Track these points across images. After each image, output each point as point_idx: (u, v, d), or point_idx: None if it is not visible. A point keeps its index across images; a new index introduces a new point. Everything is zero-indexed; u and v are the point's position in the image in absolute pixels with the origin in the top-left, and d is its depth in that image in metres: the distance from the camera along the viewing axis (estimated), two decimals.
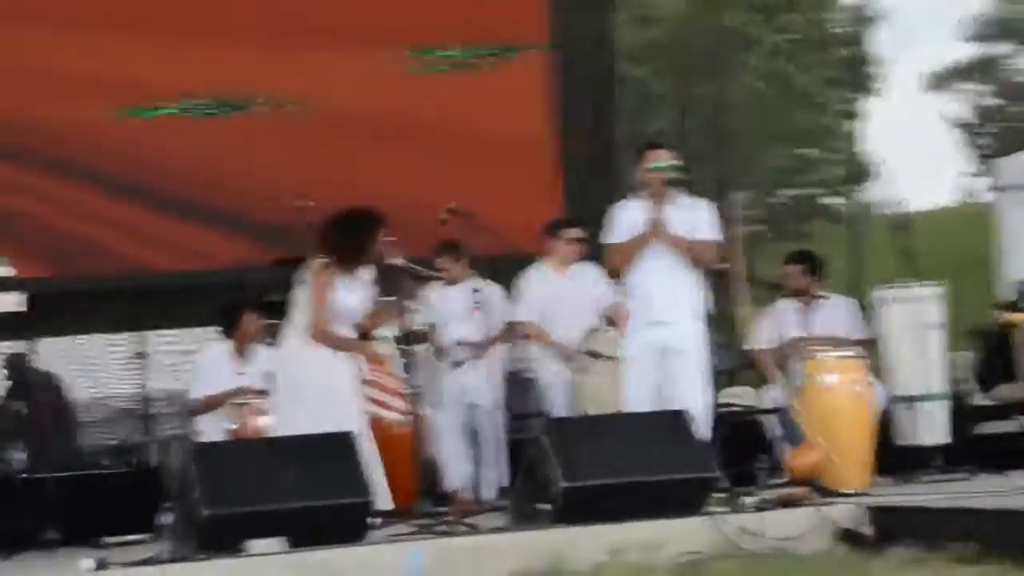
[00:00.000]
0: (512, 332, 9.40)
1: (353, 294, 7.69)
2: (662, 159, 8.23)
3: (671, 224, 8.10)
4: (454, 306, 9.41)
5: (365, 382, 8.78)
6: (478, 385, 9.33)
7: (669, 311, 8.09)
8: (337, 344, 7.68)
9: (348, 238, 7.70)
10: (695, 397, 8.01)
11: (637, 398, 8.17)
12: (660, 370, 8.16)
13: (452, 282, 9.46)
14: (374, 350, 7.74)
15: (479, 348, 9.32)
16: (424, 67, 12.51)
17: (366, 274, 7.75)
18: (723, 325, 13.02)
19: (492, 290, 9.49)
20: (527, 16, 12.83)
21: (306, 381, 7.57)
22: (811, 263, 9.58)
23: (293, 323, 7.74)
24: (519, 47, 12.76)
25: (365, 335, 8.72)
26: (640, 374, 8.21)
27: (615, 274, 8.58)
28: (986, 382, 10.64)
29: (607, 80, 13.78)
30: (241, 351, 9.09)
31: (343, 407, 7.57)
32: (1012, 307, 10.19)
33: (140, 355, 11.46)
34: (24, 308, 8.86)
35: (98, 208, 11.77)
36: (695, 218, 8.21)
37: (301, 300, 7.70)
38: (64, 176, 11.72)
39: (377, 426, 8.73)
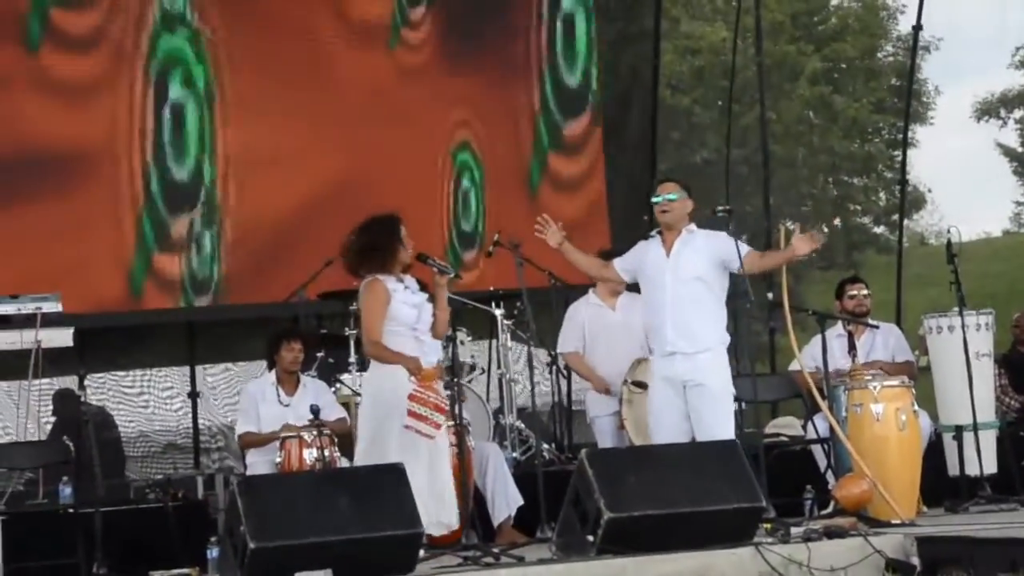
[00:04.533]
0: None
1: (410, 298, 7.64)
2: (663, 192, 8.24)
3: (682, 255, 8.10)
4: None
5: (409, 396, 8.80)
6: None
7: (683, 342, 8.06)
8: (387, 357, 7.59)
9: (378, 241, 7.66)
10: (720, 427, 7.96)
11: (663, 428, 8.14)
12: (683, 400, 8.12)
13: None
14: (419, 364, 7.64)
15: None
16: None
17: (411, 280, 7.72)
18: (770, 355, 12.98)
19: None
20: None
21: (391, 407, 7.54)
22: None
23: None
24: None
25: None
26: (663, 405, 8.18)
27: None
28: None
29: (652, 111, 13.81)
30: (284, 382, 9.05)
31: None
32: None
33: (192, 394, 11.45)
34: (71, 343, 8.92)
35: None
36: (720, 244, 8.15)
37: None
38: None
39: None
